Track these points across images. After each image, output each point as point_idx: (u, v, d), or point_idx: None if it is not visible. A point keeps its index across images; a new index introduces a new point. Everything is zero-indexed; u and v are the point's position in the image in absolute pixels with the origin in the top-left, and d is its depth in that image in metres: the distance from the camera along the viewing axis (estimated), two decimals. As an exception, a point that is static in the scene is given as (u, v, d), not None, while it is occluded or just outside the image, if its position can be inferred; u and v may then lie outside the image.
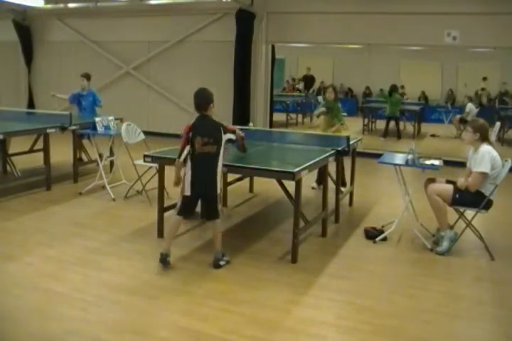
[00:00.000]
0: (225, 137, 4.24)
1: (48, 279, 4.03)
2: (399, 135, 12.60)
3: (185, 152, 4.21)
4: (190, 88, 11.24)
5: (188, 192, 4.20)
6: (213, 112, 4.26)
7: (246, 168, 4.68)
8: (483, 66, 15.72)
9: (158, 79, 11.66)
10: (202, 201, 4.39)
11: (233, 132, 4.36)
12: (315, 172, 6.82)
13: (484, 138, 4.75)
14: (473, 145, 4.83)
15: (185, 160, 4.23)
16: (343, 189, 6.57)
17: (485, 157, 4.61)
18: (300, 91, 17.62)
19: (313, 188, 7.06)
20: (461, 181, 4.79)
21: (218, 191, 4.24)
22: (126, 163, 6.79)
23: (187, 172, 4.21)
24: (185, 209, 4.31)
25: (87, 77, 7.88)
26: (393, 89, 13.01)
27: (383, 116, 13.21)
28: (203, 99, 4.25)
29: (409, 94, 17.11)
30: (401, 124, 14.04)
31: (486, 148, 4.69)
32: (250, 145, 5.95)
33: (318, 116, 7.55)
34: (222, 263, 4.33)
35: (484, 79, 15.07)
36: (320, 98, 15.65)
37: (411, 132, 13.22)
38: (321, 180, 6.69)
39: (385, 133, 12.63)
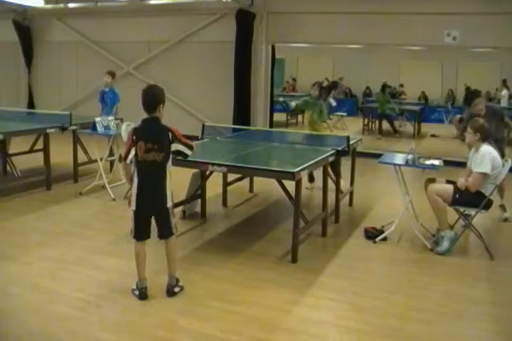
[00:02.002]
0: (173, 146, 3.65)
1: (48, 279, 4.03)
2: (395, 131, 12.84)
3: (131, 155, 3.64)
4: (191, 88, 11.33)
5: (133, 207, 3.65)
6: (162, 113, 3.74)
7: (246, 168, 4.68)
8: (483, 66, 15.73)
9: (158, 79, 11.59)
10: (153, 216, 3.76)
11: (184, 144, 3.70)
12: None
13: (484, 139, 4.76)
14: (474, 146, 4.84)
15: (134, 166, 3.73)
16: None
17: (485, 157, 4.62)
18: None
19: (307, 188, 6.84)
20: (461, 181, 4.79)
21: (169, 204, 3.70)
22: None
23: (133, 181, 3.69)
24: (138, 228, 3.70)
25: (113, 74, 7.83)
26: (383, 87, 13.23)
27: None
28: (151, 98, 3.68)
29: (409, 94, 17.12)
30: (399, 124, 14.10)
31: (486, 148, 4.69)
32: (250, 145, 5.98)
33: (292, 110, 7.64)
34: (177, 289, 3.81)
35: (504, 82, 14.95)
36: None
37: (411, 132, 13.21)
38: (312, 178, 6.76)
39: (380, 131, 12.90)
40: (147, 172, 3.66)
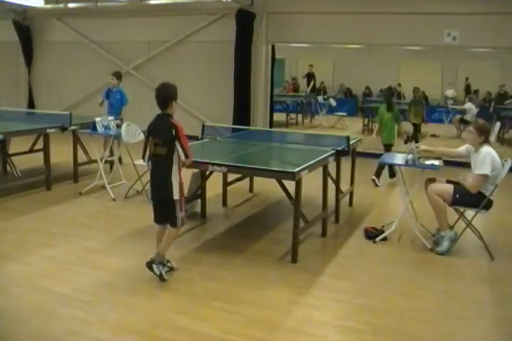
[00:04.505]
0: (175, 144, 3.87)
1: (47, 279, 4.04)
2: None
3: (147, 154, 4.01)
4: (191, 88, 11.36)
5: (150, 195, 4.07)
6: (174, 109, 3.95)
7: (246, 168, 4.68)
8: (483, 66, 15.72)
9: (158, 79, 11.59)
10: (161, 206, 4.05)
11: (183, 148, 3.87)
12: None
13: (486, 140, 4.76)
14: (475, 146, 4.83)
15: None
16: None
17: (486, 159, 4.61)
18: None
19: (374, 181, 7.37)
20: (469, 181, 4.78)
21: (176, 197, 3.90)
22: (126, 163, 6.78)
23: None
24: (154, 213, 4.10)
25: (117, 75, 7.86)
26: (415, 96, 11.82)
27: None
28: (162, 96, 3.92)
29: (409, 94, 17.10)
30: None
31: (487, 149, 4.69)
32: (250, 145, 5.97)
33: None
34: (155, 268, 3.96)
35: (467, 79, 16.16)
36: (320, 98, 15.65)
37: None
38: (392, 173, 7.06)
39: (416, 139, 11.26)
40: (155, 166, 3.97)
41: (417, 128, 11.72)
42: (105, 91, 7.96)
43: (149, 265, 3.99)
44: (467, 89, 16.48)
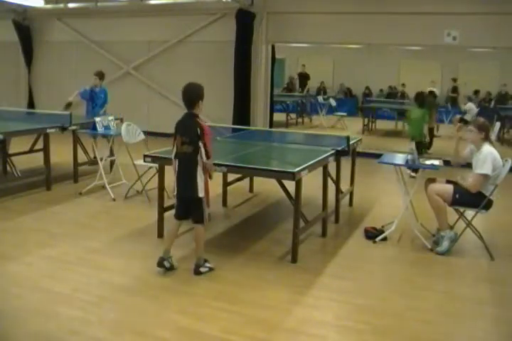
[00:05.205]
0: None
1: (48, 279, 4.03)
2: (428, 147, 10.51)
3: (174, 151, 4.10)
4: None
5: (175, 191, 4.15)
6: (201, 108, 4.03)
7: (246, 168, 4.68)
8: (483, 66, 15.74)
9: (158, 79, 11.66)
10: (186, 203, 4.15)
11: (205, 148, 3.93)
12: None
13: (487, 138, 4.76)
14: (476, 145, 4.82)
15: None
16: None
17: (487, 158, 4.61)
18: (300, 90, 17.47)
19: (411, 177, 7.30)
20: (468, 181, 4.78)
21: (200, 194, 4.00)
22: (126, 163, 6.79)
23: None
24: (176, 210, 4.22)
25: (99, 75, 7.89)
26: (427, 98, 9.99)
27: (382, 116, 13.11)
28: (188, 96, 4.00)
29: (409, 94, 17.12)
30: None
31: (488, 149, 4.68)
32: (250, 145, 5.98)
33: None
34: (203, 270, 4.16)
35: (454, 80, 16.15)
36: (320, 98, 15.66)
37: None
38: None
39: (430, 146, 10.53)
40: (181, 163, 4.05)
41: (431, 132, 10.91)
42: (86, 91, 7.82)
43: (197, 271, 4.14)
44: (454, 91, 16.22)
